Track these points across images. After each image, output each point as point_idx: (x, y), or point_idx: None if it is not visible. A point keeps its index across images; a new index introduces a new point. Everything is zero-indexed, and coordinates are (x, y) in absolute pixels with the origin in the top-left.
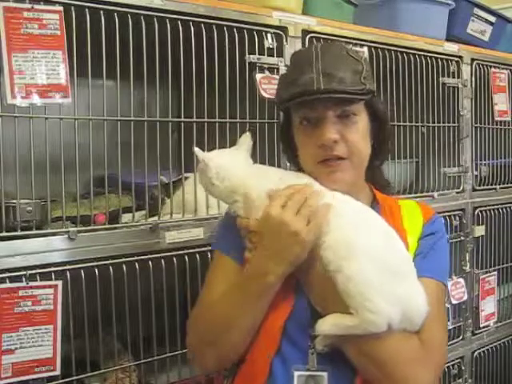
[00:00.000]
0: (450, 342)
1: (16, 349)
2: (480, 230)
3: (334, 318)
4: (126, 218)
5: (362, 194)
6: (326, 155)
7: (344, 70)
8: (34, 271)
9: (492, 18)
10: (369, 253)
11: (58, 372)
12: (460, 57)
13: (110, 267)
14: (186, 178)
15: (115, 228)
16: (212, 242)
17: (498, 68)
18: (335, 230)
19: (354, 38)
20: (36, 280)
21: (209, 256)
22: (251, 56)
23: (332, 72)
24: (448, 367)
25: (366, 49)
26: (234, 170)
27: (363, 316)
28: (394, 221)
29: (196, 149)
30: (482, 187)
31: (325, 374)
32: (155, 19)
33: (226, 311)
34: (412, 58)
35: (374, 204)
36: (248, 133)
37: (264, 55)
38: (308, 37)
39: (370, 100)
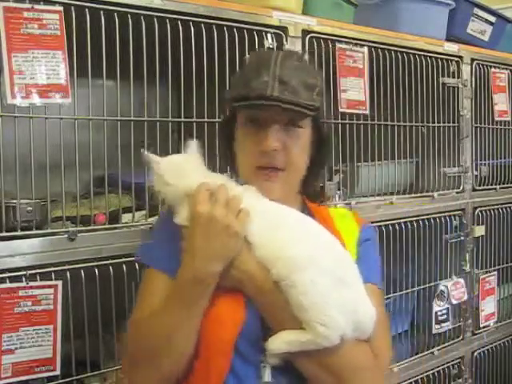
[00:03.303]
0: (450, 342)
1: (16, 349)
2: (480, 230)
3: (285, 335)
4: (126, 218)
5: (295, 205)
6: (265, 163)
7: (299, 82)
8: (33, 271)
9: (492, 18)
10: (318, 264)
11: (57, 372)
12: (460, 57)
13: (110, 267)
14: None
15: (115, 228)
16: (140, 253)
17: (498, 68)
18: (281, 242)
19: (354, 38)
20: (36, 280)
21: None
22: None
23: (288, 80)
24: (448, 367)
25: (366, 49)
26: (190, 168)
27: (316, 331)
28: (329, 229)
29: (144, 152)
30: (482, 187)
31: None
32: (155, 19)
33: (162, 323)
34: (412, 58)
35: (306, 214)
36: (193, 140)
37: None
38: (308, 37)
39: (317, 116)
